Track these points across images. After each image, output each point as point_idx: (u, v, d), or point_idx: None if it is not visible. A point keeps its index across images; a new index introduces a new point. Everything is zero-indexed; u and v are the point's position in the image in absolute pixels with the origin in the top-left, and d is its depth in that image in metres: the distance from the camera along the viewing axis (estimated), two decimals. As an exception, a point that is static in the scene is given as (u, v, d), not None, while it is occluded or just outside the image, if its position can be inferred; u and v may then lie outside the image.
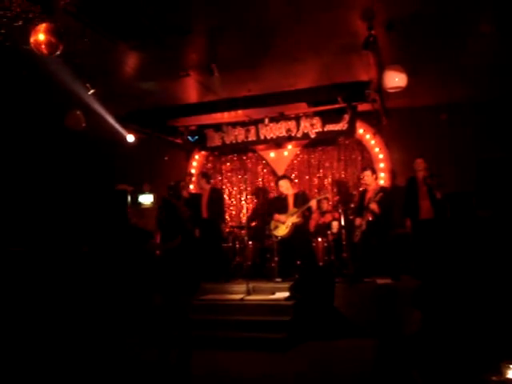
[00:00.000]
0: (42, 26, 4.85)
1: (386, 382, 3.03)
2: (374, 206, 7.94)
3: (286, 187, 8.56)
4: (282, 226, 8.34)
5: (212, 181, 10.13)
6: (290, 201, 8.49)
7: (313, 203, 8.36)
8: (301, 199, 8.41)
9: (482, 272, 3.60)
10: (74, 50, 5.73)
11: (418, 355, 3.06)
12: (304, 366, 5.64)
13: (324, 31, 6.11)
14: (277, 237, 8.39)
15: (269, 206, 9.78)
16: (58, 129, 8.43)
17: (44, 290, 7.31)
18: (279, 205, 8.64)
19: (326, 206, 9.26)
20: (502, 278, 3.73)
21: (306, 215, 8.57)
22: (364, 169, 8.62)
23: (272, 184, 10.52)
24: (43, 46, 4.90)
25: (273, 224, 8.51)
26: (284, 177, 8.97)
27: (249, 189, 10.64)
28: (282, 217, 8.39)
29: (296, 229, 8.30)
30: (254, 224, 9.91)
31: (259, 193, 10.59)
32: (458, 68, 7.40)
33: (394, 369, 3.05)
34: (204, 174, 9.51)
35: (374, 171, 8.60)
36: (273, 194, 10.28)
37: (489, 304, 3.22)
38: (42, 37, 4.85)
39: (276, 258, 8.30)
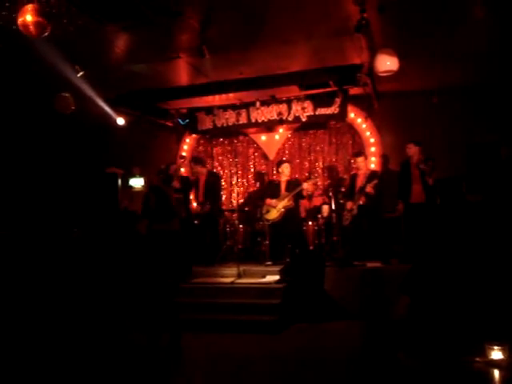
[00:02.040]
0: (30, 7, 4.77)
1: (373, 363, 3.07)
2: (369, 189, 7.97)
3: (287, 172, 8.57)
4: (274, 210, 8.36)
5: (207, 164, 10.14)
6: (283, 187, 8.50)
7: (305, 185, 8.36)
8: (293, 186, 8.42)
9: (469, 256, 3.64)
10: (63, 31, 5.64)
11: (404, 338, 3.09)
12: (294, 348, 5.70)
13: (316, 14, 6.05)
14: (268, 220, 8.40)
15: (262, 191, 9.80)
16: (46, 112, 8.34)
17: (33, 273, 7.30)
18: (272, 190, 8.66)
19: (311, 189, 9.25)
20: (489, 261, 3.76)
21: (299, 199, 8.59)
22: (357, 154, 8.63)
23: (263, 167, 10.52)
24: (31, 27, 4.82)
25: (264, 208, 8.52)
26: (287, 161, 8.98)
27: (240, 172, 10.65)
28: (273, 201, 8.41)
29: (287, 213, 8.32)
30: (247, 208, 9.91)
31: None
32: (449, 52, 7.38)
33: (382, 350, 3.09)
34: (197, 160, 9.45)
35: (365, 156, 8.62)
36: (267, 179, 10.30)
37: (474, 287, 3.25)
38: (29, 17, 4.76)
39: (267, 242, 8.32)
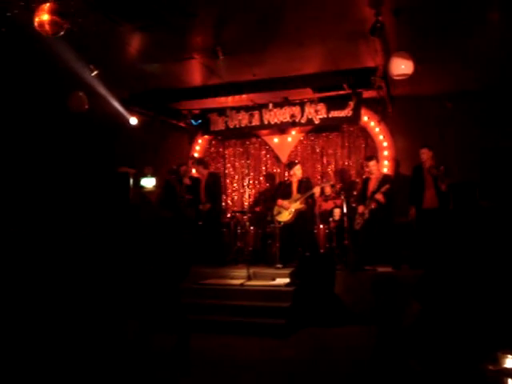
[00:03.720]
0: (46, 6, 4.80)
1: (384, 370, 3.04)
2: (379, 196, 7.93)
3: (299, 174, 8.59)
4: (285, 212, 8.33)
5: (212, 165, 10.16)
6: (295, 187, 8.48)
7: (316, 190, 8.34)
8: (305, 186, 8.42)
9: (482, 263, 3.59)
10: (78, 30, 5.67)
11: (416, 344, 3.06)
12: (303, 352, 5.67)
13: (331, 16, 6.03)
14: (279, 222, 8.38)
15: (273, 191, 9.78)
16: (60, 110, 8.39)
17: (43, 271, 7.33)
18: (283, 190, 8.66)
19: (328, 190, 9.22)
20: (502, 268, 3.71)
21: (310, 202, 8.56)
22: (369, 158, 8.55)
23: (275, 170, 10.50)
24: (47, 26, 4.86)
25: (276, 209, 8.50)
26: (298, 163, 9.01)
27: (252, 174, 10.63)
28: (285, 202, 8.38)
29: (299, 215, 8.29)
30: (258, 209, 9.89)
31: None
32: (464, 56, 7.32)
33: (393, 357, 3.05)
34: (199, 161, 9.48)
35: (378, 160, 8.58)
36: (277, 180, 10.29)
37: (487, 295, 3.21)
38: (46, 17, 4.80)
39: (277, 244, 8.30)
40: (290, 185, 8.61)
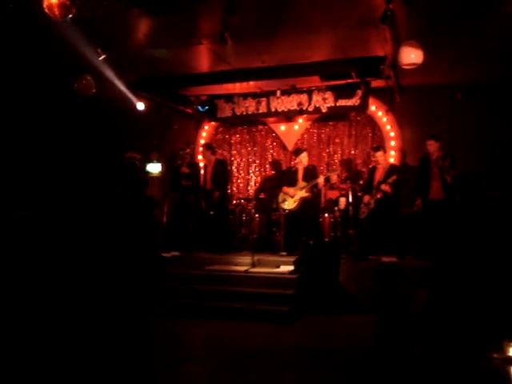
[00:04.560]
0: (55, -12, 4.78)
1: (387, 356, 3.05)
2: (386, 187, 7.92)
3: (305, 161, 8.57)
4: (291, 200, 8.33)
5: (218, 152, 10.14)
6: (300, 174, 8.47)
7: (320, 180, 8.30)
8: (310, 173, 8.41)
9: (488, 253, 3.59)
10: (87, 13, 5.64)
11: (420, 332, 3.06)
12: (306, 339, 5.69)
13: (341, 3, 5.98)
14: (284, 210, 8.38)
15: (278, 178, 9.76)
16: (67, 94, 8.38)
17: (48, 254, 7.38)
18: (289, 177, 8.64)
19: (334, 178, 9.21)
20: (507, 258, 3.71)
21: (315, 191, 8.55)
22: (376, 149, 8.51)
23: (282, 157, 10.48)
24: (56, 9, 4.85)
25: (281, 197, 8.48)
26: (305, 150, 8.97)
27: (257, 161, 10.62)
28: (290, 190, 8.38)
29: (304, 203, 8.29)
30: (262, 196, 9.89)
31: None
32: (475, 48, 7.24)
33: (396, 344, 3.07)
34: (208, 146, 9.49)
35: (385, 150, 8.54)
36: (284, 168, 10.27)
37: (493, 284, 3.21)
38: (54, -1, 4.79)
39: (282, 232, 8.31)
40: (295, 172, 8.59)
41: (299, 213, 8.27)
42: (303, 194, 8.27)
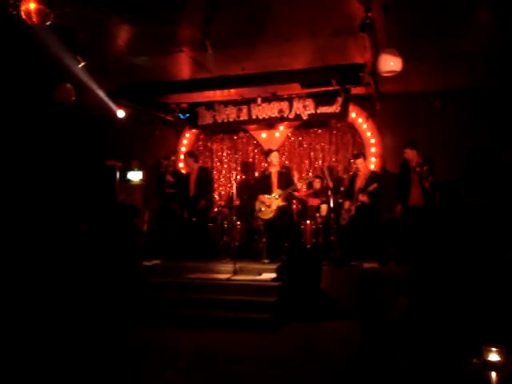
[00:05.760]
0: (33, -6, 4.73)
1: (370, 363, 3.06)
2: (364, 198, 7.95)
3: (276, 160, 8.45)
4: (267, 209, 8.22)
5: (200, 159, 10.13)
6: (275, 180, 8.33)
7: (297, 186, 8.27)
8: (285, 179, 8.29)
9: (468, 259, 3.63)
10: (65, 20, 5.61)
11: (401, 339, 3.08)
12: (289, 347, 5.68)
13: (320, 12, 6.02)
14: (262, 219, 8.33)
15: (253, 185, 9.72)
16: (46, 102, 8.30)
17: (31, 263, 7.27)
18: (264, 184, 8.50)
19: (318, 185, 9.25)
20: (487, 264, 3.75)
21: (293, 195, 8.51)
22: (357, 156, 8.55)
23: (263, 164, 10.48)
24: (34, 15, 4.79)
25: (257, 206, 8.38)
26: (275, 150, 8.91)
27: (239, 169, 10.62)
28: (266, 199, 8.25)
29: (281, 211, 8.21)
30: (237, 203, 9.84)
31: (247, 169, 10.55)
32: (453, 55, 7.36)
33: (379, 351, 3.07)
34: (191, 154, 9.47)
35: (365, 157, 8.59)
36: (258, 172, 10.26)
37: (472, 290, 3.24)
38: (32, 5, 4.74)
39: (263, 240, 8.29)
40: (269, 177, 8.44)
41: (277, 221, 8.22)
42: (279, 202, 8.19)
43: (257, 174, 10.30)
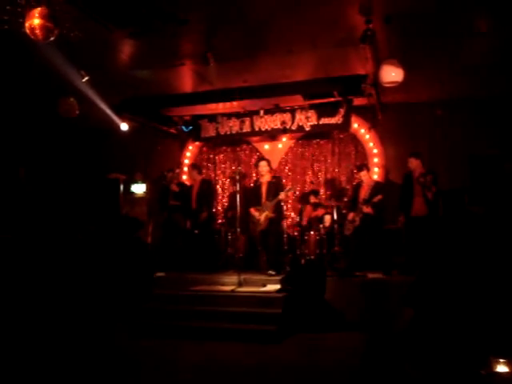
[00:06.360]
0: (37, 10, 4.79)
1: (376, 375, 3.05)
2: (368, 209, 7.93)
3: (265, 169, 8.31)
4: (258, 221, 8.16)
5: (203, 172, 10.12)
6: (264, 190, 8.23)
7: (282, 196, 8.09)
8: (274, 189, 8.16)
9: (473, 268, 3.62)
10: (69, 36, 5.66)
11: (408, 350, 3.07)
12: (294, 358, 5.65)
13: (322, 24, 6.08)
14: (255, 231, 8.29)
15: (246, 195, 9.64)
16: (50, 116, 8.36)
17: (33, 276, 7.28)
18: (253, 195, 8.42)
19: (312, 199, 9.26)
20: (492, 274, 3.74)
21: (280, 210, 8.40)
22: (360, 168, 8.50)
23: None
24: (38, 31, 4.84)
25: (250, 217, 8.33)
26: (264, 158, 8.82)
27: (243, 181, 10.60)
28: (256, 213, 8.19)
29: (270, 222, 8.11)
30: (230, 214, 9.82)
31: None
32: (454, 65, 7.41)
33: (385, 362, 3.06)
34: (195, 166, 9.48)
35: (368, 169, 8.58)
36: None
37: (479, 299, 3.23)
38: (36, 21, 4.79)
39: (263, 251, 8.26)
40: (259, 187, 8.36)
41: (268, 232, 8.14)
42: (268, 214, 8.08)
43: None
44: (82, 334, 6.49)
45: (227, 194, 10.72)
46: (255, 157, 10.65)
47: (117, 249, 8.19)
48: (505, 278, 3.44)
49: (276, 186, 8.31)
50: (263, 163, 8.39)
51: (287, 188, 8.57)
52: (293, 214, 10.17)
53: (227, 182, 10.80)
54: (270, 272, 7.91)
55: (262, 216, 8.12)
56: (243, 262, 8.57)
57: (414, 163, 7.89)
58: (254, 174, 10.55)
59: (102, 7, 5.43)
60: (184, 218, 9.15)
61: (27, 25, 4.83)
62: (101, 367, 5.34)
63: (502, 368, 2.64)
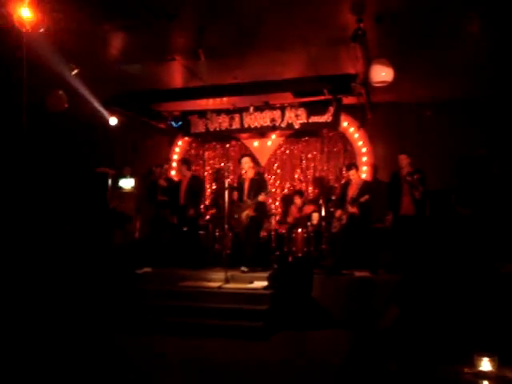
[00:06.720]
0: (26, 1, 4.75)
1: (361, 372, 3.06)
2: (353, 210, 7.94)
3: (248, 165, 8.26)
4: (240, 220, 8.14)
5: (193, 168, 10.09)
6: (246, 187, 8.21)
7: (261, 198, 8.05)
8: (256, 187, 8.10)
9: (458, 268, 3.65)
10: (59, 28, 5.62)
11: (393, 348, 3.09)
12: (281, 355, 5.67)
13: (313, 22, 6.08)
14: (238, 227, 8.29)
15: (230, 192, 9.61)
16: (39, 109, 8.26)
17: (21, 270, 7.22)
18: (238, 191, 8.46)
19: (298, 201, 9.28)
20: (477, 273, 3.78)
21: (261, 208, 8.41)
22: (349, 168, 8.47)
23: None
24: (27, 22, 4.80)
25: (232, 215, 8.26)
26: (247, 155, 8.84)
27: (231, 177, 10.60)
28: (237, 208, 8.21)
29: (251, 220, 8.11)
30: (213, 211, 9.80)
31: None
32: (444, 66, 7.44)
33: (370, 359, 3.08)
34: (185, 161, 9.43)
35: (357, 168, 8.59)
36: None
37: (463, 298, 3.26)
38: (25, 12, 4.75)
39: (250, 247, 8.26)
40: (242, 184, 8.34)
41: (249, 230, 8.14)
42: (249, 212, 8.07)
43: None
44: (69, 328, 6.46)
45: (214, 190, 10.72)
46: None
47: (100, 243, 8.15)
48: (489, 277, 3.48)
49: (259, 183, 8.23)
50: (246, 159, 8.34)
51: (266, 191, 8.49)
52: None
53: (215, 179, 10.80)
54: (243, 269, 7.82)
55: (243, 214, 8.12)
56: (231, 259, 8.55)
57: (405, 161, 7.92)
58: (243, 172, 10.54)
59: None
60: (171, 214, 9.11)
61: (16, 16, 4.79)
62: (88, 362, 5.32)
63: (486, 366, 2.67)
